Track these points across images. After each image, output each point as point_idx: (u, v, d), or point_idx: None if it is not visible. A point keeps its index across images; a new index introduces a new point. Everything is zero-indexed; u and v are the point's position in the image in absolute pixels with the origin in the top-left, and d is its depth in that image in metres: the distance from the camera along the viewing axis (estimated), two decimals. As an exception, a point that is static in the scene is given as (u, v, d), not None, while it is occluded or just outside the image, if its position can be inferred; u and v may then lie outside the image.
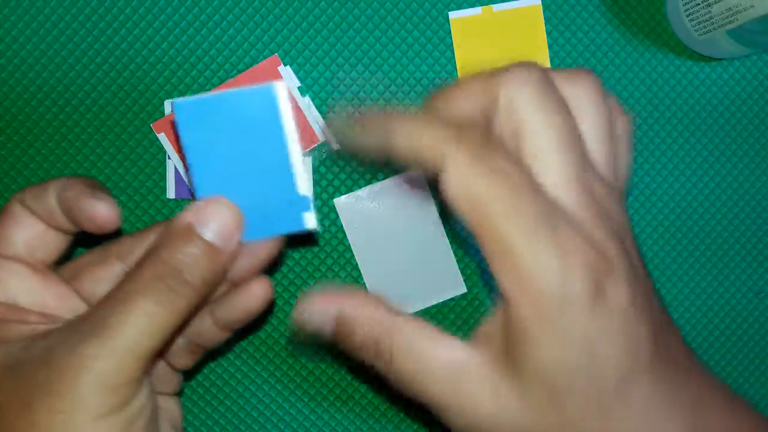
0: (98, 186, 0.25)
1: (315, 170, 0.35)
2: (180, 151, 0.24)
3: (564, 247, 0.20)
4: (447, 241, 0.36)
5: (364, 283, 0.35)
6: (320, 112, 0.35)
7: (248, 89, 0.23)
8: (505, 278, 0.21)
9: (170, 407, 0.28)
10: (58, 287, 0.26)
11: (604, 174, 0.23)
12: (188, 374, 0.35)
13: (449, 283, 0.36)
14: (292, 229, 0.25)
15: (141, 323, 0.22)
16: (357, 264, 0.35)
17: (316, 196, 0.35)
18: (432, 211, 0.35)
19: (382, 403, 0.36)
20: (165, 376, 0.28)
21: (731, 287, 0.38)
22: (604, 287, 0.20)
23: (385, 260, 0.35)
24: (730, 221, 0.38)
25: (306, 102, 0.34)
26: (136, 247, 0.27)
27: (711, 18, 0.33)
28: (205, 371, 0.35)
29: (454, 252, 0.36)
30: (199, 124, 0.23)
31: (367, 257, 0.35)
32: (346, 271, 0.35)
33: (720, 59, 0.37)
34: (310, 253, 0.35)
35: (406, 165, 0.22)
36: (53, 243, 0.26)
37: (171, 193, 0.34)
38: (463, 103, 0.23)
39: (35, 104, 0.34)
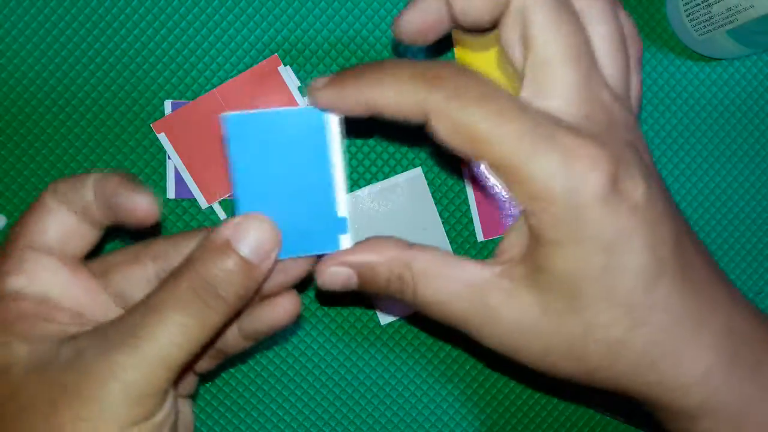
0: (132, 178, 0.25)
1: (315, 170, 0.35)
2: (228, 164, 0.24)
3: (566, 151, 0.20)
4: (447, 241, 0.36)
5: (364, 283, 0.35)
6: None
7: (300, 109, 0.23)
8: (516, 194, 0.21)
9: (184, 410, 0.28)
10: (88, 283, 0.25)
11: (615, 88, 0.23)
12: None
13: (449, 283, 0.36)
14: (328, 250, 0.25)
15: (173, 335, 0.21)
16: (357, 264, 0.35)
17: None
18: (432, 211, 0.35)
19: (381, 403, 0.36)
20: (183, 378, 0.28)
21: (731, 287, 0.38)
22: (617, 182, 0.20)
23: (385, 260, 0.35)
24: (730, 221, 0.38)
25: (306, 102, 0.34)
26: (171, 251, 0.26)
27: (711, 18, 0.33)
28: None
29: (454, 252, 0.36)
30: (248, 139, 0.24)
31: (367, 257, 0.35)
32: (346, 271, 0.35)
33: (720, 59, 0.37)
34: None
35: (392, 119, 0.23)
36: (85, 237, 0.25)
37: (171, 193, 0.34)
38: (475, 2, 0.22)
39: (35, 104, 0.34)
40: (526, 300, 0.22)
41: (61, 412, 0.21)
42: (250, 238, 0.23)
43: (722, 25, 0.33)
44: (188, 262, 0.23)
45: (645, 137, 0.37)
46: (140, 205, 0.24)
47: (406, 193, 0.35)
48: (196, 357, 0.25)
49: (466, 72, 0.22)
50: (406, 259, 0.23)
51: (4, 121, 0.34)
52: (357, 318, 0.36)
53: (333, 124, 0.24)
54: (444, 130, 0.21)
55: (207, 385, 0.35)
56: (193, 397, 0.29)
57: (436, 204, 0.35)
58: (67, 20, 0.34)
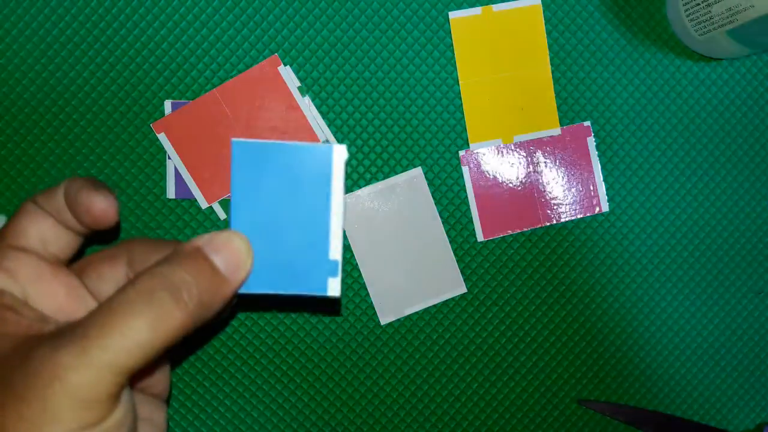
0: (100, 184, 0.25)
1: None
2: (230, 187, 0.25)
3: None
4: (447, 241, 0.36)
5: (365, 283, 0.35)
6: (320, 112, 0.35)
7: (308, 145, 0.23)
8: None
9: (152, 411, 0.27)
10: (68, 280, 0.25)
11: None
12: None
13: (449, 283, 0.36)
14: (314, 291, 0.24)
15: (124, 339, 0.20)
16: (357, 264, 0.35)
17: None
18: (432, 211, 0.35)
19: (382, 403, 0.36)
20: (147, 379, 0.27)
21: (731, 287, 0.38)
22: None
23: (385, 260, 0.35)
24: (730, 221, 0.38)
25: (306, 102, 0.34)
26: (148, 253, 0.26)
27: (711, 18, 0.33)
28: (199, 377, 0.35)
29: (454, 252, 0.36)
30: (253, 166, 0.24)
31: (367, 257, 0.35)
32: (346, 271, 0.35)
33: (720, 59, 0.37)
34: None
35: None
36: (63, 239, 0.26)
37: (171, 193, 0.34)
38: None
39: (35, 104, 0.34)
40: None
41: (7, 411, 0.20)
42: (225, 250, 0.23)
43: (722, 25, 0.33)
44: (155, 265, 0.22)
45: (645, 137, 0.37)
46: (96, 205, 0.24)
47: (406, 193, 0.35)
48: (153, 364, 0.25)
49: None
50: None
51: (4, 121, 0.34)
52: (357, 318, 0.36)
53: (339, 165, 0.24)
54: None
55: (207, 384, 0.35)
56: (166, 401, 0.28)
57: (436, 204, 0.35)
58: (67, 20, 0.34)
